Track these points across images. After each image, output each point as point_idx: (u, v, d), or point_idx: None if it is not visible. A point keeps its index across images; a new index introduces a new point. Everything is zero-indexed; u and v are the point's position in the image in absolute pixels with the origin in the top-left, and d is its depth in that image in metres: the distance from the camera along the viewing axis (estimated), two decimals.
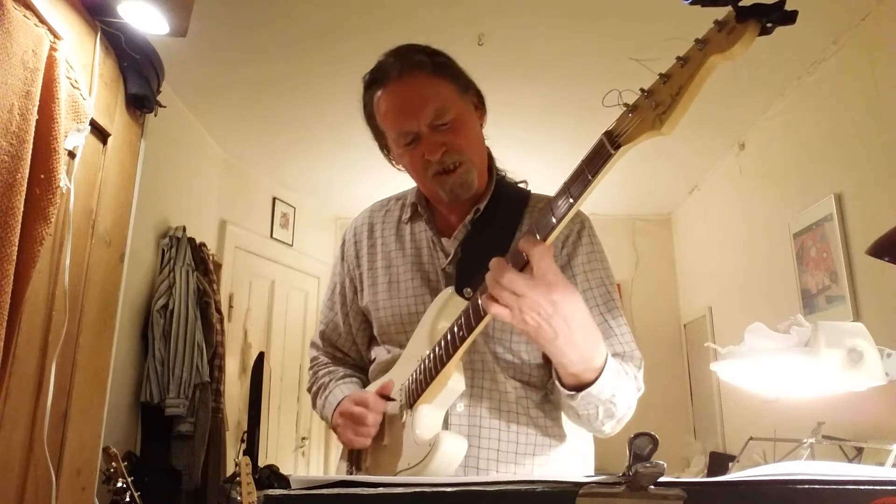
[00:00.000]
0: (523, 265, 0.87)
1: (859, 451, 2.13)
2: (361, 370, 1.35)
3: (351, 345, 1.35)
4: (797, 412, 2.32)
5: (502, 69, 2.75)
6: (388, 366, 1.22)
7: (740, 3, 0.65)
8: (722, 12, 0.68)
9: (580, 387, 0.96)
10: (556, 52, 2.63)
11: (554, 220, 0.85)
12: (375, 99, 1.17)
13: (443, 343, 1.03)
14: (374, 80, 1.17)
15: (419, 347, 1.12)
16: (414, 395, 1.09)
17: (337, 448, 1.33)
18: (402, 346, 1.19)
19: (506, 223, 1.17)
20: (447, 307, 1.11)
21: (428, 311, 1.14)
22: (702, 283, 4.22)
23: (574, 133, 3.35)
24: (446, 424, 1.10)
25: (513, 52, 2.63)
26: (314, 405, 1.32)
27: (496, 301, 0.87)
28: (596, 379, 0.94)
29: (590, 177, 0.79)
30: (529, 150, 3.63)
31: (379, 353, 1.27)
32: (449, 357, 1.01)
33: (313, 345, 1.40)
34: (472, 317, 0.96)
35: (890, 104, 2.21)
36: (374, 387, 1.20)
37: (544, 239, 0.86)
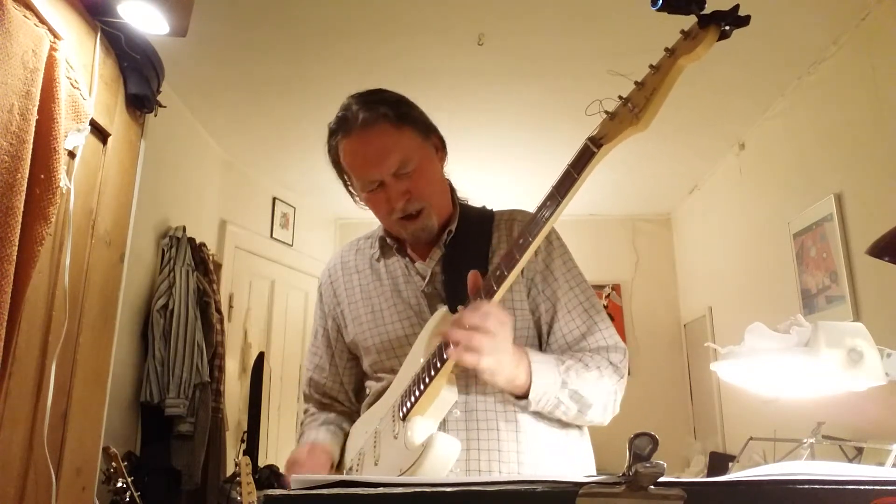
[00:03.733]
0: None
1: (859, 451, 2.13)
2: (350, 414, 1.36)
3: (339, 387, 1.36)
4: (797, 412, 2.32)
5: (502, 69, 2.74)
6: (381, 393, 1.23)
7: (702, 13, 0.77)
8: (687, 21, 0.79)
9: (526, 392, 1.07)
10: (556, 52, 2.63)
11: (543, 219, 0.95)
12: (340, 146, 1.21)
13: (435, 354, 1.06)
14: (338, 129, 1.20)
15: (413, 366, 1.14)
16: (407, 409, 1.10)
17: None
18: (394, 371, 1.21)
19: (477, 240, 1.24)
20: (441, 325, 1.13)
21: (423, 331, 1.17)
22: (702, 283, 4.22)
23: (574, 133, 3.33)
24: (445, 430, 1.11)
25: (513, 52, 2.63)
26: None
27: (475, 353, 0.98)
28: (529, 375, 1.06)
29: (575, 175, 0.90)
30: (529, 150, 3.62)
31: (371, 385, 1.29)
32: (443, 363, 1.04)
33: (305, 396, 1.42)
34: None
35: (890, 104, 2.21)
36: (369, 416, 1.23)
37: (534, 237, 0.96)
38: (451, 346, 0.99)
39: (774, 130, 3.08)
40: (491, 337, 0.97)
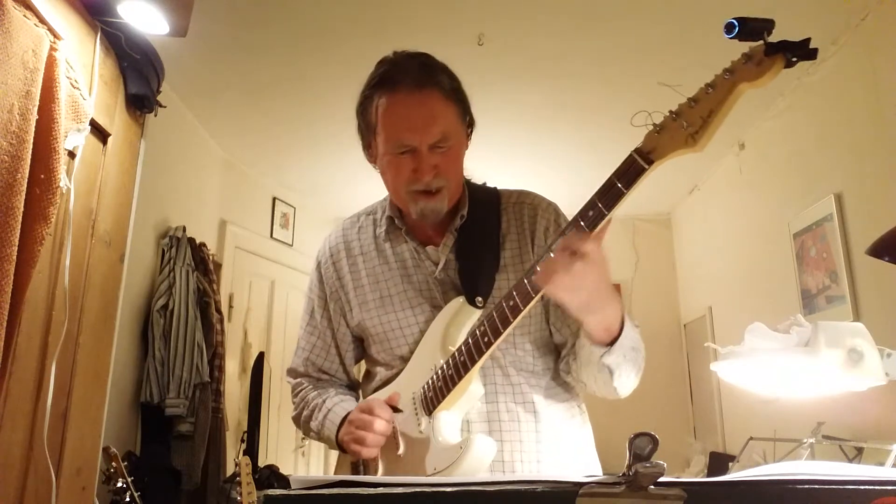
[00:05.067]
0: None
1: (859, 451, 2.14)
2: (350, 389, 1.35)
3: (338, 366, 1.33)
4: (797, 412, 2.32)
5: (502, 69, 2.74)
6: (390, 380, 1.23)
7: (769, 40, 0.75)
8: (744, 45, 0.78)
9: (612, 339, 1.04)
10: (556, 52, 2.63)
11: (585, 228, 0.90)
12: (382, 99, 1.14)
13: (464, 350, 1.06)
14: (386, 81, 1.14)
15: (429, 357, 1.14)
16: (433, 403, 1.11)
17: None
18: (403, 358, 1.21)
19: (488, 225, 1.22)
20: (458, 316, 1.14)
21: (437, 321, 1.16)
22: (702, 283, 4.22)
23: (574, 133, 3.35)
24: (466, 425, 1.13)
25: (513, 52, 2.63)
26: (307, 430, 1.28)
27: (569, 290, 0.92)
28: (622, 327, 1.04)
29: (623, 189, 0.86)
30: (529, 151, 3.62)
31: (377, 370, 1.28)
32: (473, 362, 1.04)
33: (292, 372, 1.37)
34: (499, 324, 1.00)
35: (890, 104, 2.21)
36: (380, 396, 1.19)
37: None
38: (540, 283, 0.93)
39: (774, 130, 3.08)
40: (590, 271, 0.91)
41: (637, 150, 0.85)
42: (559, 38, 2.54)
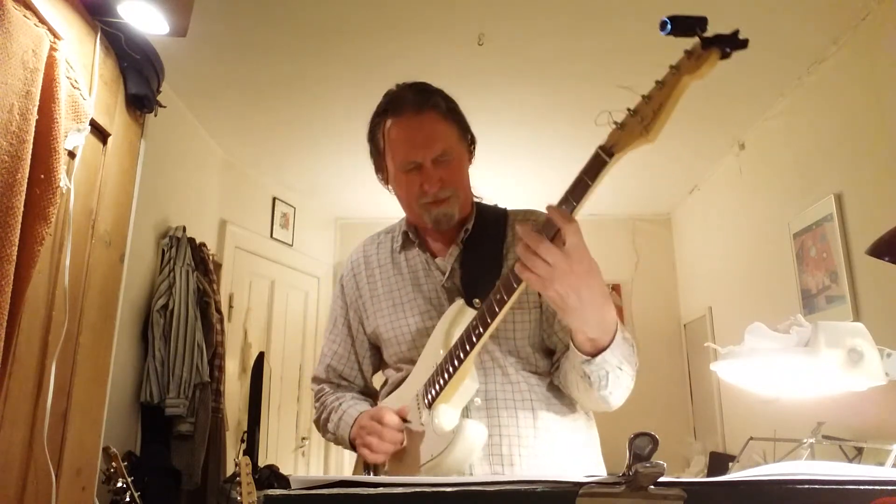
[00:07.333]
0: (553, 236, 0.96)
1: (859, 451, 2.14)
2: (367, 396, 1.43)
3: (357, 373, 1.43)
4: (797, 412, 2.32)
5: (502, 69, 2.74)
6: (399, 381, 1.30)
7: (704, 35, 0.82)
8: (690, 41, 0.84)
9: (596, 352, 1.04)
10: (556, 52, 2.63)
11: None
12: (387, 124, 1.27)
13: (458, 345, 1.12)
14: (389, 109, 1.27)
15: (433, 356, 1.21)
16: (432, 397, 1.17)
17: (337, 449, 1.38)
18: (412, 361, 1.28)
19: (493, 238, 1.31)
20: (459, 317, 1.21)
21: (440, 323, 1.23)
22: (702, 283, 4.22)
23: (573, 133, 3.35)
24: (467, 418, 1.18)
25: (513, 52, 2.63)
26: (325, 432, 1.37)
27: (529, 270, 0.96)
28: (610, 343, 1.03)
29: (589, 182, 0.92)
30: (529, 151, 3.62)
31: (389, 374, 1.37)
32: (466, 354, 1.10)
33: (315, 379, 1.46)
34: (487, 316, 1.06)
35: (890, 104, 2.21)
36: (389, 404, 1.27)
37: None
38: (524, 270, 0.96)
39: (774, 131, 3.08)
40: (551, 268, 0.94)
41: (601, 146, 0.93)
42: (559, 39, 2.54)
